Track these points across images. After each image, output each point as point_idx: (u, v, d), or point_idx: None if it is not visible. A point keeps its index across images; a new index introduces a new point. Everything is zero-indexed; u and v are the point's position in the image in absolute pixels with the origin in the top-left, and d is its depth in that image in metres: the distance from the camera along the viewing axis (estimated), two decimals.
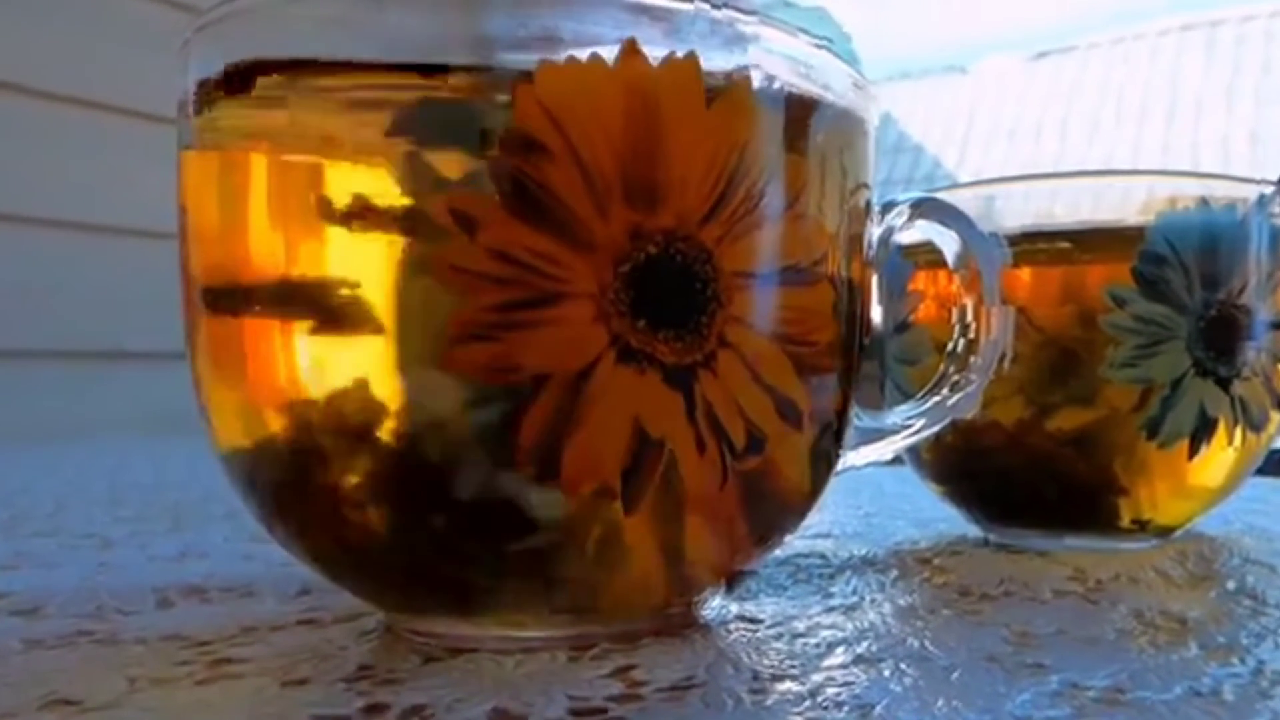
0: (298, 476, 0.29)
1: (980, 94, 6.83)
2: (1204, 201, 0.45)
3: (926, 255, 0.48)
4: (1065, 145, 6.13)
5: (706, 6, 0.28)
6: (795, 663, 0.29)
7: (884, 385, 0.52)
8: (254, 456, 0.30)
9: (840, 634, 0.33)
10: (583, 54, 0.26)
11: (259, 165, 0.29)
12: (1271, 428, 0.48)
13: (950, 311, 0.38)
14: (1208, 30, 6.35)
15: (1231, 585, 0.40)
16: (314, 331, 0.27)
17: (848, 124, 0.32)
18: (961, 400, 0.37)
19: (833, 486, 0.35)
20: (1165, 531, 0.49)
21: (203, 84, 0.30)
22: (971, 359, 0.37)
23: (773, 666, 0.29)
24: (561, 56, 0.26)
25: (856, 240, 0.33)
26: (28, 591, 0.38)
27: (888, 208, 0.37)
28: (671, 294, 0.27)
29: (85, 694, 0.27)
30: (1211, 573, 0.43)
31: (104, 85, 1.68)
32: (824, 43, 0.31)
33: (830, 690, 0.27)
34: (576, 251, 0.26)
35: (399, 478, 0.28)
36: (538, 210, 0.26)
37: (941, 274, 0.48)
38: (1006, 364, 0.37)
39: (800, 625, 0.34)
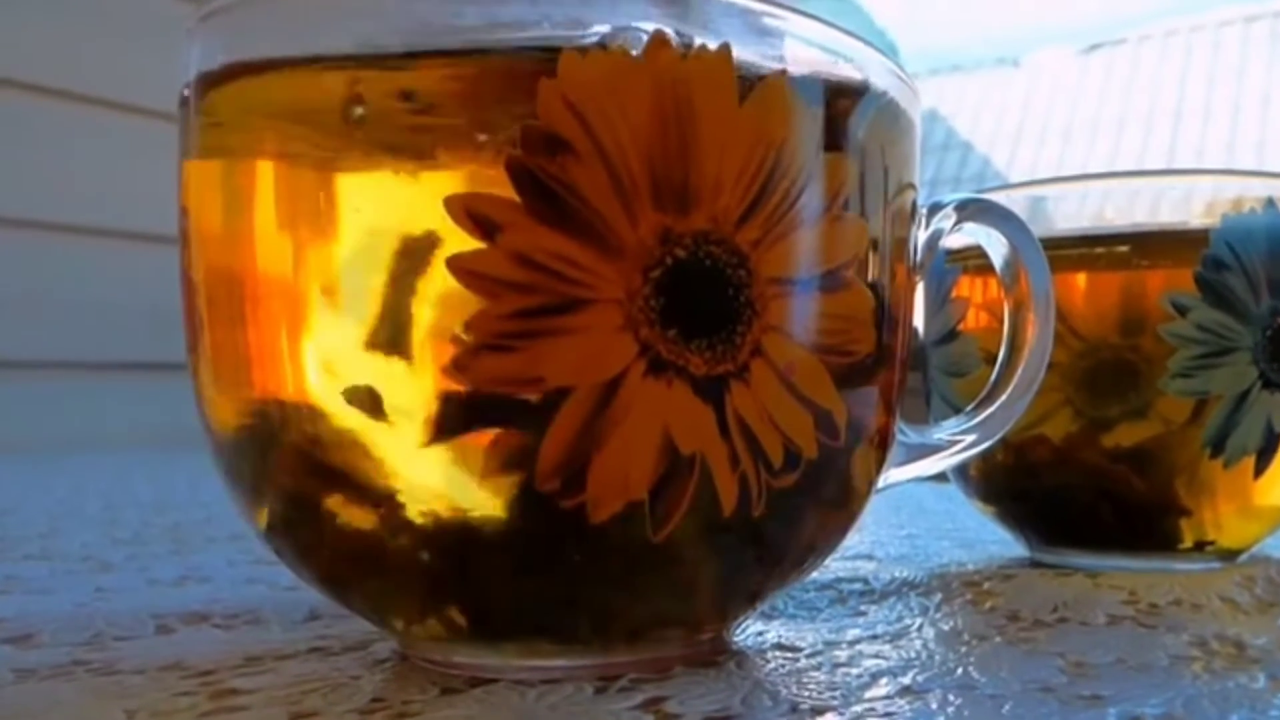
0: (306, 494, 0.29)
1: (1033, 88, 6.81)
2: (1271, 203, 0.45)
3: (975, 260, 0.48)
4: (1122, 143, 6.11)
5: None
6: (836, 694, 0.29)
7: (930, 398, 0.52)
8: (260, 474, 0.30)
9: (884, 663, 0.32)
10: (608, 45, 0.26)
11: (265, 163, 0.29)
12: None
13: (1000, 320, 0.38)
14: (1272, 21, 6.33)
15: None
16: (323, 340, 0.27)
17: (890, 120, 0.32)
18: (1008, 415, 0.37)
19: (871, 505, 0.35)
20: (1230, 554, 0.49)
21: (204, 77, 0.30)
22: (1019, 370, 0.37)
23: (812, 697, 0.29)
24: (586, 47, 0.26)
25: (900, 244, 0.33)
26: (19, 618, 0.38)
27: (934, 209, 0.36)
28: (704, 301, 0.27)
29: None
30: None
31: (101, 79, 1.69)
32: (860, 36, 0.31)
33: None
34: (602, 256, 0.26)
35: (414, 494, 0.28)
36: (561, 212, 0.25)
37: (990, 280, 0.48)
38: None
39: (841, 653, 0.34)
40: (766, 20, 0.29)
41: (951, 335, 0.50)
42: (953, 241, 0.38)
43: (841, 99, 0.30)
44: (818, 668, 0.32)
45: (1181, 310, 0.44)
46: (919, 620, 0.38)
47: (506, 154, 0.25)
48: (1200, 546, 0.48)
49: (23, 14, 1.60)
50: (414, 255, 0.26)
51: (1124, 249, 0.47)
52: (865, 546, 0.55)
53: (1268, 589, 0.44)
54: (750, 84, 0.27)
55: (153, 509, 0.75)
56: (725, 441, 0.28)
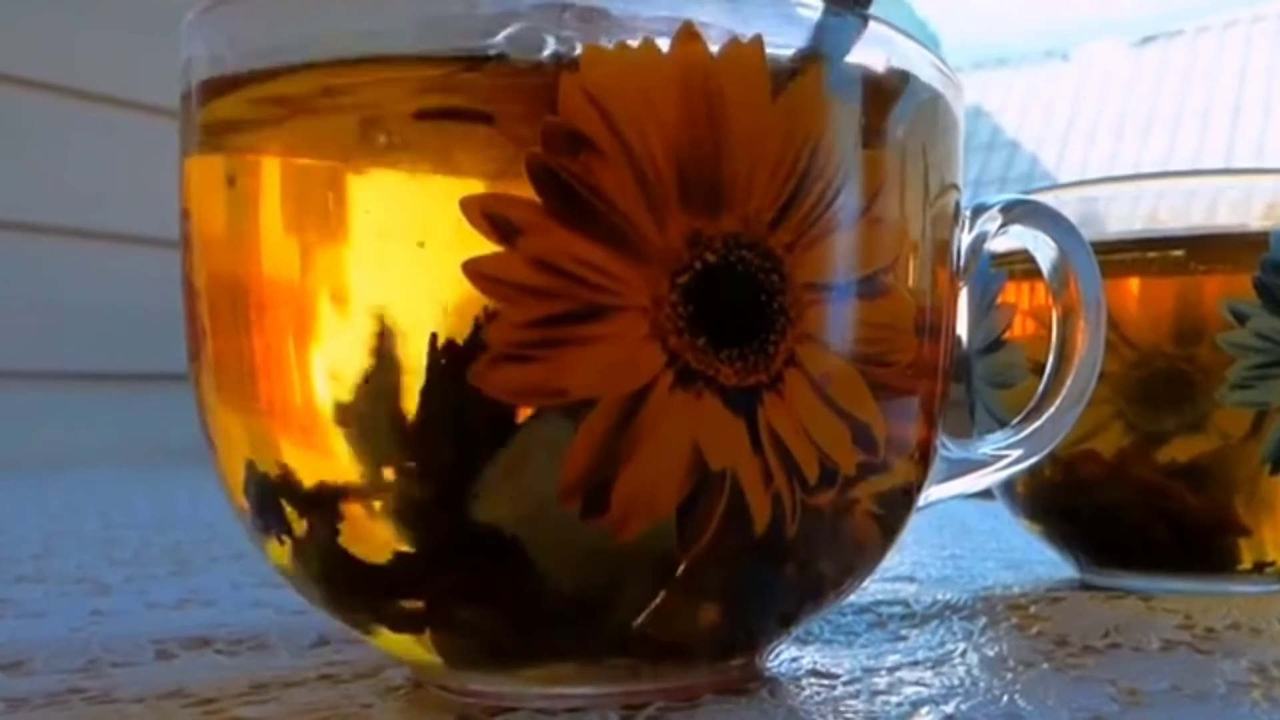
0: (314, 510, 0.29)
1: (1083, 83, 6.78)
2: None
3: (1022, 265, 0.48)
4: (1177, 141, 6.09)
5: None
6: None
7: (974, 410, 0.52)
8: (266, 489, 0.30)
9: (925, 690, 0.32)
10: (634, 38, 0.26)
11: (270, 164, 0.29)
12: None
13: (1048, 328, 0.38)
14: None
15: None
16: (332, 348, 0.27)
17: (932, 116, 0.32)
18: (1056, 428, 0.37)
19: (912, 523, 0.35)
20: None
21: (206, 73, 0.30)
22: (1069, 381, 0.37)
23: None
24: (610, 41, 0.26)
25: (942, 247, 0.33)
26: (12, 643, 0.38)
27: (978, 211, 0.36)
28: (735, 308, 0.27)
29: None
30: None
31: (99, 74, 1.69)
32: (900, 28, 0.31)
33: None
34: (628, 260, 0.26)
35: (427, 511, 0.28)
36: (585, 215, 0.25)
37: (1038, 285, 0.48)
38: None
39: (880, 681, 0.33)
40: (801, 11, 0.29)
41: (997, 344, 0.50)
42: (998, 245, 0.37)
43: (881, 95, 0.30)
44: (855, 696, 0.32)
45: (1240, 318, 0.44)
46: (962, 645, 0.38)
47: (526, 152, 0.25)
48: (1260, 567, 0.47)
49: (15, 6, 1.60)
50: (428, 259, 0.26)
51: (1179, 253, 0.47)
52: (906, 567, 0.55)
53: None
54: (784, 78, 0.27)
55: (152, 528, 0.75)
56: (757, 456, 0.28)
